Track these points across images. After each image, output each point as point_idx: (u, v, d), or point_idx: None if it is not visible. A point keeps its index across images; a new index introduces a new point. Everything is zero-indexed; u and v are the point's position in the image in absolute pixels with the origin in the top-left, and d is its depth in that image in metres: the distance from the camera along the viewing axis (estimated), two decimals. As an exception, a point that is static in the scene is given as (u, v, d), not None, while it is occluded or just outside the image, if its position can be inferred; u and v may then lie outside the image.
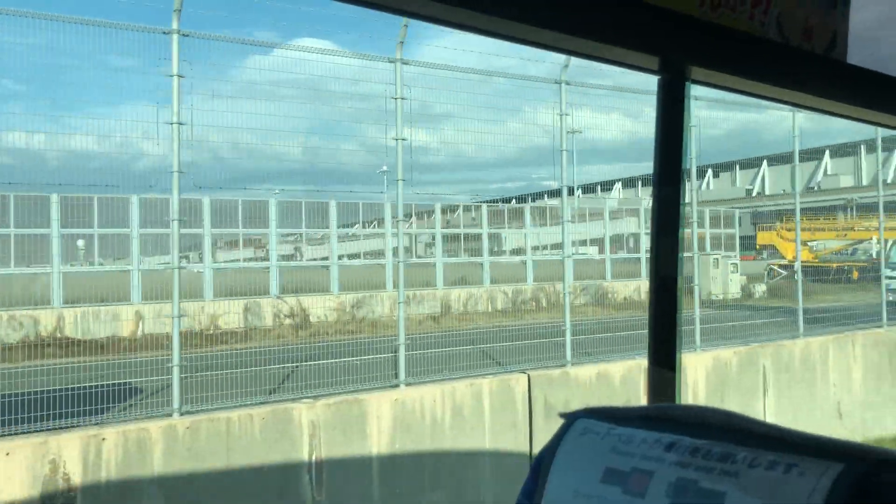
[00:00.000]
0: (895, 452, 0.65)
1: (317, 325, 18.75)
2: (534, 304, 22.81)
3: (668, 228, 1.60)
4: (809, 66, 1.79)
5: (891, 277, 21.66)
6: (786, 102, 1.85)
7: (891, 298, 20.19)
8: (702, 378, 12.20)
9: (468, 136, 12.80)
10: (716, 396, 12.11)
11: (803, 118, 15.14)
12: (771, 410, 12.89)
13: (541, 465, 0.84)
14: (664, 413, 0.82)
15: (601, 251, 27.96)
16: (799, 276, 16.58)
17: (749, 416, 0.74)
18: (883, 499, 0.61)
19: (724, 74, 1.66)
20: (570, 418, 0.86)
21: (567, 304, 11.95)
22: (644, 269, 27.34)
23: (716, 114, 15.40)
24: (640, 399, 10.82)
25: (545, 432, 10.08)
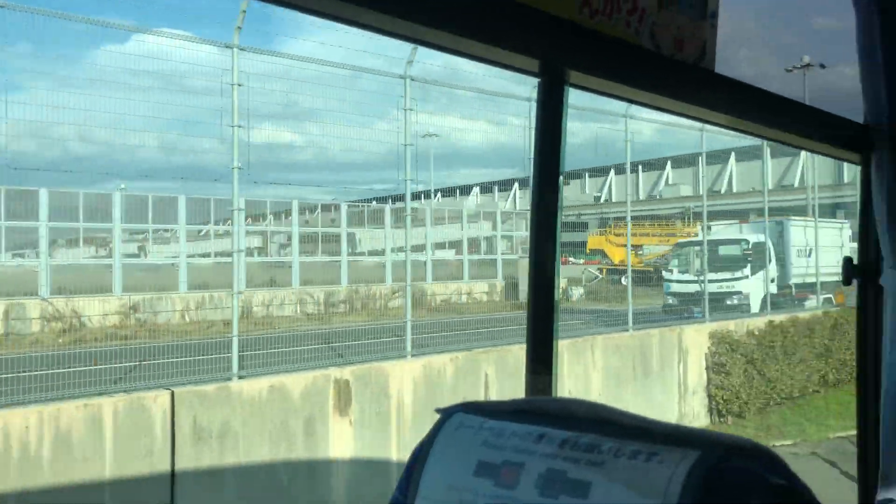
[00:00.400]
0: (747, 440, 0.70)
1: (89, 329, 17.18)
2: (346, 306, 21.75)
3: (546, 231, 1.63)
4: (680, 74, 1.86)
5: (669, 280, 22.83)
6: (659, 109, 1.91)
7: (670, 301, 21.50)
8: (408, 389, 10.76)
9: (335, 135, 12.63)
10: (423, 410, 10.56)
11: (653, 130, 15.95)
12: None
13: (416, 460, 0.84)
14: (535, 406, 0.84)
15: (458, 253, 28.40)
16: (558, 279, 17.22)
17: (616, 408, 0.78)
18: (732, 481, 0.66)
19: (602, 80, 1.70)
20: (446, 413, 0.87)
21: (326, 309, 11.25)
22: (500, 270, 27.97)
23: (572, 124, 15.98)
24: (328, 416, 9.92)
25: (192, 460, 8.61)
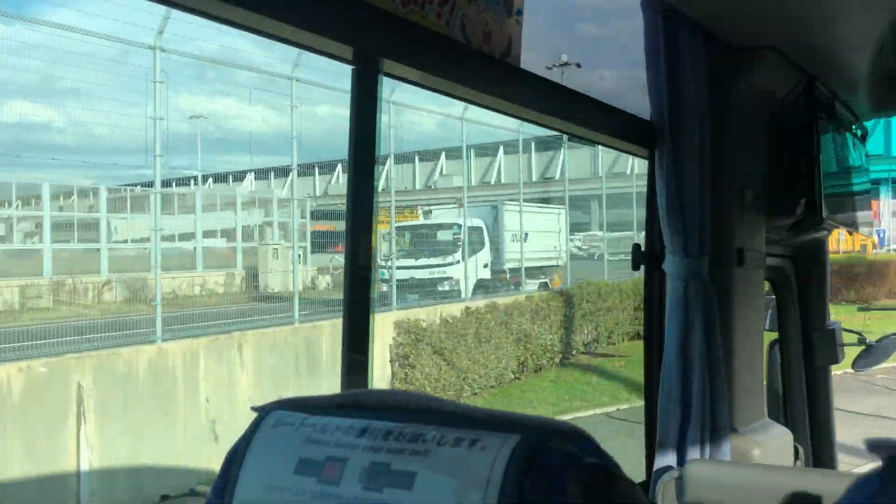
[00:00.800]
0: (564, 423, 0.74)
1: None
2: (49, 299, 18.18)
3: (362, 220, 1.61)
4: (488, 68, 1.89)
5: (382, 267, 23.32)
6: (469, 101, 1.93)
7: (384, 289, 22.03)
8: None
9: (99, 115, 11.66)
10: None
11: (435, 124, 16.28)
12: (94, 442, 9.24)
13: (232, 461, 0.82)
14: (359, 399, 0.83)
15: (231, 241, 27.31)
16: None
17: (439, 398, 0.80)
18: (551, 462, 0.69)
19: (415, 70, 1.70)
20: (263, 412, 0.85)
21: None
22: (240, 260, 26.87)
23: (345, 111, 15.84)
24: None
25: None
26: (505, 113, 2.05)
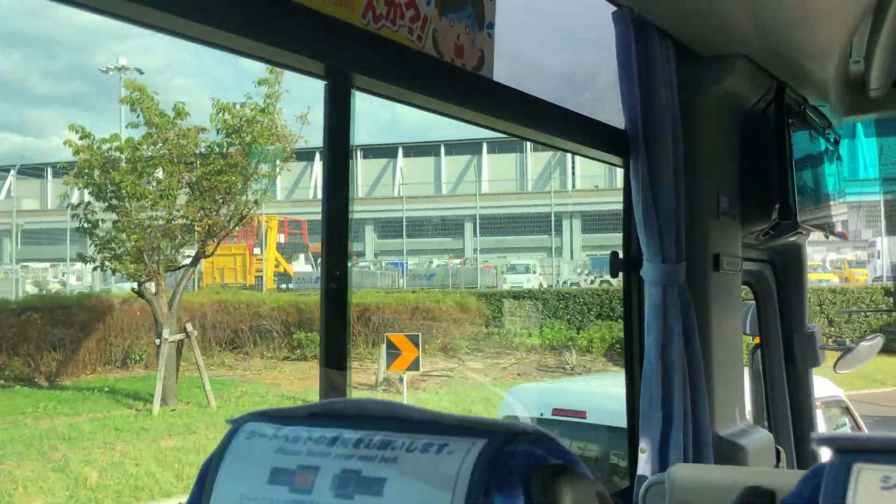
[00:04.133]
0: (530, 426, 0.76)
1: None
2: None
3: (337, 232, 1.62)
4: (461, 81, 1.92)
5: None
6: (442, 114, 1.95)
7: None
8: None
9: None
10: None
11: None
12: None
13: (207, 473, 0.83)
14: (330, 409, 0.84)
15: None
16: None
17: (408, 405, 0.81)
18: (516, 464, 0.71)
19: (387, 84, 1.71)
20: (237, 423, 0.86)
21: None
22: None
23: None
24: None
25: None
26: (480, 125, 2.07)
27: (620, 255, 2.58)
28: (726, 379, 2.62)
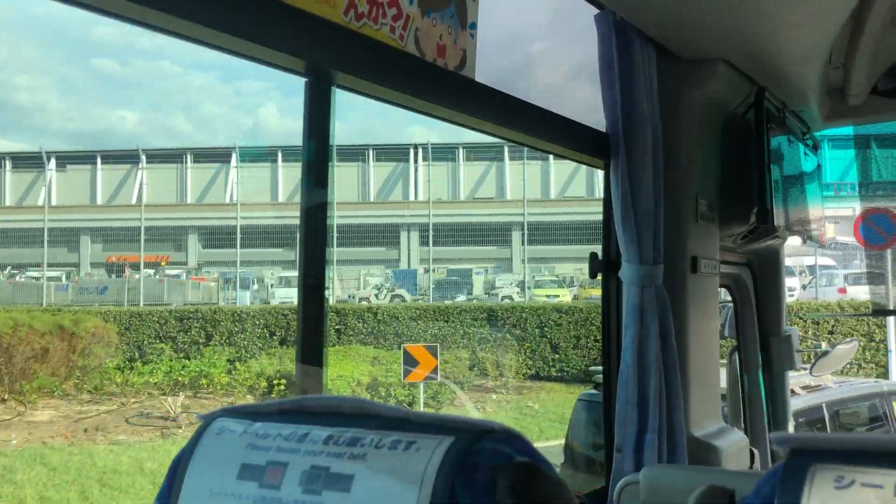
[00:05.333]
0: (497, 424, 0.77)
1: None
2: None
3: (315, 231, 1.62)
4: (442, 81, 1.92)
5: None
6: (423, 113, 1.95)
7: None
8: None
9: None
10: None
11: None
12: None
13: (177, 468, 0.83)
14: (301, 405, 0.85)
15: None
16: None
17: (379, 402, 0.81)
18: (483, 462, 0.72)
19: (368, 83, 1.71)
20: (208, 419, 0.86)
21: None
22: None
23: None
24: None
25: None
26: (461, 125, 2.07)
27: (600, 257, 2.60)
28: (702, 380, 2.64)
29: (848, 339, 3.86)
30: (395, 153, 38.36)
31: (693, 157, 2.65)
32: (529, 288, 27.81)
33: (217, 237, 32.81)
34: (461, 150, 37.16)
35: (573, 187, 36.41)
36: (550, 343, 19.62)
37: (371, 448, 0.75)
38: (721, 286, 2.95)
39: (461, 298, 26.30)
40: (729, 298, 3.37)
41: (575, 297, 26.49)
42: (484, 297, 28.34)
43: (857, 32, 2.55)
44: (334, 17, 1.62)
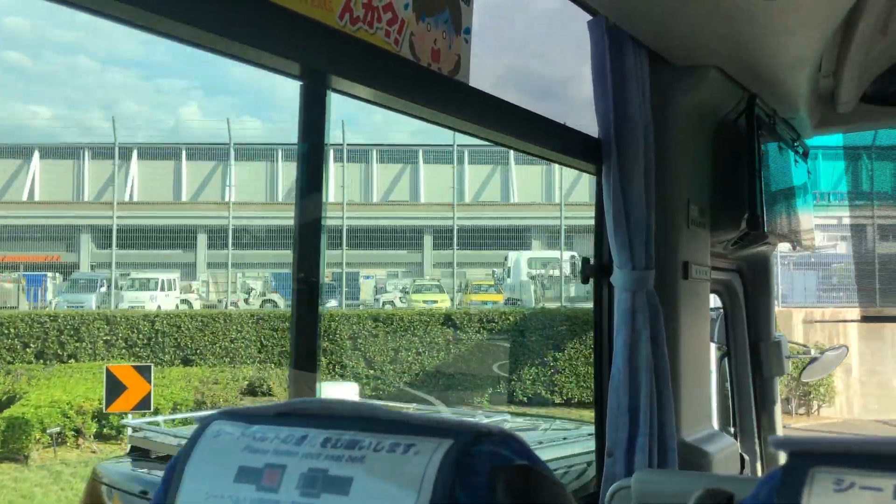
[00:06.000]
0: (495, 427, 0.77)
1: None
2: None
3: (310, 234, 1.63)
4: (436, 85, 1.93)
5: None
6: (417, 118, 1.96)
7: None
8: None
9: None
10: None
11: None
12: None
13: (173, 470, 0.83)
14: (298, 408, 0.85)
15: None
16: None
17: (376, 404, 0.82)
18: (481, 464, 0.72)
19: (362, 87, 1.72)
20: (205, 422, 0.86)
21: None
22: None
23: None
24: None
25: None
26: (455, 129, 2.08)
27: (592, 262, 2.61)
28: (693, 385, 2.65)
29: (836, 346, 3.88)
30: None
31: (684, 162, 2.66)
32: (407, 293, 26.76)
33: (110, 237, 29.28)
34: (374, 151, 35.96)
35: (488, 191, 35.41)
36: (364, 356, 17.37)
37: (369, 451, 0.75)
38: (711, 292, 2.97)
39: (332, 304, 23.61)
40: (719, 304, 3.39)
41: (461, 304, 25.03)
42: (371, 302, 26.86)
43: (846, 41, 2.57)
44: (329, 21, 1.63)
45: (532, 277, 26.21)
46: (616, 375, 2.37)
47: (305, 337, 1.61)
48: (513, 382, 16.93)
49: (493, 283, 28.63)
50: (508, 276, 27.56)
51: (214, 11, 1.37)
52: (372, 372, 17.20)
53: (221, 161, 34.50)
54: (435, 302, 24.44)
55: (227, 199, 29.11)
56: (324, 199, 1.67)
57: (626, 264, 2.38)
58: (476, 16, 2.06)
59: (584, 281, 2.61)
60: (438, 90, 1.94)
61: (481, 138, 2.20)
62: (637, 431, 2.35)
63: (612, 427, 2.36)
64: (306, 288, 1.60)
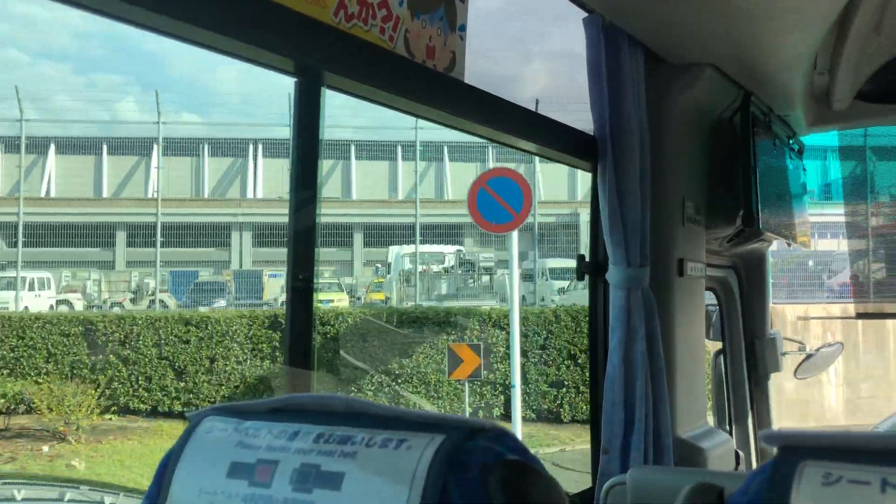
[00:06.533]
0: (488, 422, 0.77)
1: None
2: None
3: (304, 231, 1.63)
4: (431, 82, 1.93)
5: None
6: (412, 114, 1.96)
7: None
8: None
9: None
10: None
11: None
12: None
13: (165, 468, 0.83)
14: (292, 403, 0.85)
15: None
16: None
17: (369, 401, 0.81)
18: (474, 460, 0.72)
19: (358, 83, 1.72)
20: (197, 418, 0.86)
21: None
22: None
23: None
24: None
25: None
26: (450, 126, 2.08)
27: (587, 259, 2.62)
28: (688, 382, 2.66)
29: (831, 343, 3.89)
30: (233, 147, 33.75)
31: (680, 160, 2.67)
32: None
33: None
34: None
35: (424, 187, 33.01)
36: (172, 366, 15.14)
37: (362, 446, 0.75)
38: (707, 289, 2.97)
39: (221, 304, 22.00)
40: (714, 301, 3.39)
41: (360, 301, 23.76)
42: (274, 302, 23.50)
43: (841, 39, 2.57)
44: (324, 18, 1.63)
45: (404, 273, 24.74)
46: (611, 372, 2.38)
47: (300, 332, 1.61)
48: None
49: (383, 279, 27.02)
50: (388, 272, 26.44)
51: (209, 9, 1.37)
52: (182, 385, 15.13)
53: (144, 156, 32.95)
54: (331, 301, 21.89)
55: (150, 195, 27.60)
56: (318, 197, 1.67)
57: (622, 261, 2.38)
58: (471, 13, 2.06)
59: (580, 277, 2.62)
60: (433, 87, 1.94)
61: (476, 135, 2.20)
62: (632, 428, 2.35)
63: (608, 424, 2.37)
64: (301, 285, 1.60)
